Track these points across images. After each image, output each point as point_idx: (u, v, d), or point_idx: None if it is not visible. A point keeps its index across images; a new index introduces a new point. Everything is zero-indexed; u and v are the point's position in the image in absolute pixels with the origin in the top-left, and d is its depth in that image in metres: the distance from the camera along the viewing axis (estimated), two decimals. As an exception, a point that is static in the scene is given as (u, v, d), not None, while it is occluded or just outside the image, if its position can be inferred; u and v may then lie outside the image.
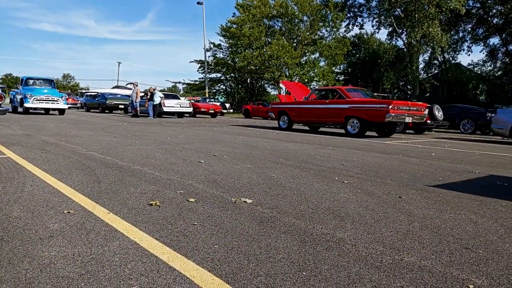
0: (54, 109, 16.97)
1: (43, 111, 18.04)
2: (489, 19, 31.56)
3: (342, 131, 11.81)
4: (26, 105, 15.69)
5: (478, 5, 31.07)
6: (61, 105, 16.51)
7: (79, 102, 31.31)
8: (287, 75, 33.05)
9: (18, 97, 16.95)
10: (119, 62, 73.16)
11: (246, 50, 34.54)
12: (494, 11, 30.58)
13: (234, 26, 34.13)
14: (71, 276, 1.52)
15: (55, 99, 16.32)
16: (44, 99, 16.00)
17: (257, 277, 1.58)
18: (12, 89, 20.25)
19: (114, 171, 3.74)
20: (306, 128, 13.61)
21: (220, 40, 38.10)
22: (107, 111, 23.43)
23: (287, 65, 32.16)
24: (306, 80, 33.05)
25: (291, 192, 3.16)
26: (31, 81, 17.46)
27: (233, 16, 36.26)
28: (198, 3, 33.37)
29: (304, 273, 1.64)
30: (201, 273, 1.60)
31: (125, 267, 1.62)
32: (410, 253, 1.90)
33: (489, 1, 29.85)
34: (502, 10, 28.58)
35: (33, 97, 15.71)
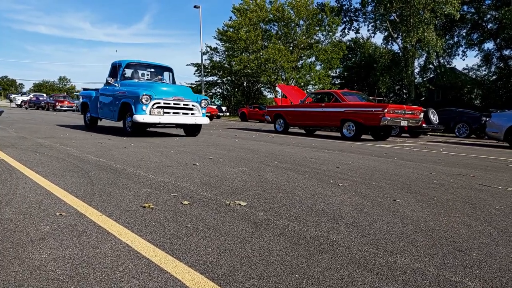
0: (182, 125, 8.81)
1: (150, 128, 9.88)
2: (484, 24, 31.89)
3: (338, 134, 11.83)
4: (139, 117, 7.58)
5: (473, 10, 31.38)
6: (199, 117, 8.45)
7: (76, 105, 31.18)
8: (283, 78, 33.18)
9: (113, 102, 8.59)
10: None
11: (243, 54, 34.69)
12: (489, 16, 30.90)
13: (231, 29, 34.32)
14: (61, 278, 1.51)
15: (188, 106, 8.27)
16: (172, 105, 8.01)
17: (249, 279, 1.57)
18: (88, 89, 10.02)
19: (108, 174, 3.72)
20: (302, 131, 13.63)
21: (216, 43, 38.39)
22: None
23: (284, 69, 32.30)
24: (302, 83, 33.22)
25: (286, 195, 3.15)
26: (130, 71, 9.18)
27: (229, 20, 36.45)
28: (195, 6, 33.43)
29: (296, 275, 1.63)
30: (192, 276, 1.58)
31: (116, 270, 1.60)
32: (403, 256, 1.90)
33: (484, 7, 30.16)
34: (497, 16, 28.86)
35: (153, 102, 7.69)
